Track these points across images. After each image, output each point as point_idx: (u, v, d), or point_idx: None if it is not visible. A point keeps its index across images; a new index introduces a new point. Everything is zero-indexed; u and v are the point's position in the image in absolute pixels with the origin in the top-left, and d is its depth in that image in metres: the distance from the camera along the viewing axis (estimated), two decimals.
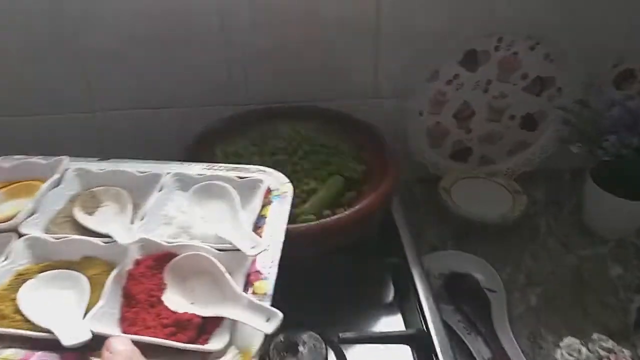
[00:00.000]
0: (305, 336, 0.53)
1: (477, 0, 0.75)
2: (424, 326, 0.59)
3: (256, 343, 0.38)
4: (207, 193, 0.51)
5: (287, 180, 0.52)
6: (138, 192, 0.52)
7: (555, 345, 0.64)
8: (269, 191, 0.51)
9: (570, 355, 0.63)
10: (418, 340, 0.57)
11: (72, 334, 0.38)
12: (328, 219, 0.58)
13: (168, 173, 0.53)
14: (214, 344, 0.39)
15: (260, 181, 0.52)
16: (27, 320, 0.41)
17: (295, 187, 0.64)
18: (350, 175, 0.67)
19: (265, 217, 0.49)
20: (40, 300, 0.43)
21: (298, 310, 0.57)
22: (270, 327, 0.38)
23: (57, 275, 0.45)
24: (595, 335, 0.64)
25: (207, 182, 0.51)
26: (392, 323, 0.62)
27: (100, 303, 0.41)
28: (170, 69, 0.77)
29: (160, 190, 0.51)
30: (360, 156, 0.71)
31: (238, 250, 0.44)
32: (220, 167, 0.53)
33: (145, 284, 0.43)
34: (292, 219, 0.60)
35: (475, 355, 0.62)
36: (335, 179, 0.66)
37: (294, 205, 0.61)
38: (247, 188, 0.51)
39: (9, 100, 0.78)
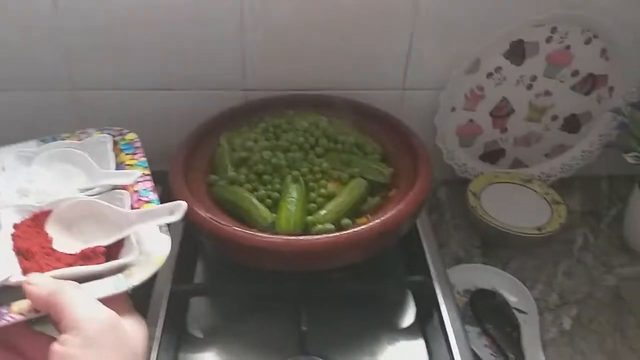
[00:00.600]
0: None
1: None
2: (450, 355, 0.52)
3: (164, 250, 0.40)
4: (54, 160, 0.51)
5: (129, 131, 0.54)
6: None
7: None
8: (115, 143, 0.53)
9: None
10: None
11: None
12: (348, 231, 0.50)
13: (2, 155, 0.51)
14: (126, 258, 0.40)
15: (104, 137, 0.53)
16: None
17: (311, 190, 0.57)
18: (375, 179, 0.59)
19: (124, 162, 0.50)
20: None
21: (305, 334, 0.51)
22: (177, 216, 0.41)
23: None
24: None
25: (49, 150, 0.51)
26: (413, 349, 0.56)
27: None
28: (180, 49, 0.70)
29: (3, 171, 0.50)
30: (387, 157, 0.63)
31: (109, 191, 0.47)
32: (57, 136, 0.54)
33: (32, 239, 0.42)
34: (306, 227, 0.53)
35: None
36: (357, 183, 0.58)
37: (309, 212, 0.55)
38: (92, 147, 0.52)
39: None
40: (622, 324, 0.65)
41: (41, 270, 0.39)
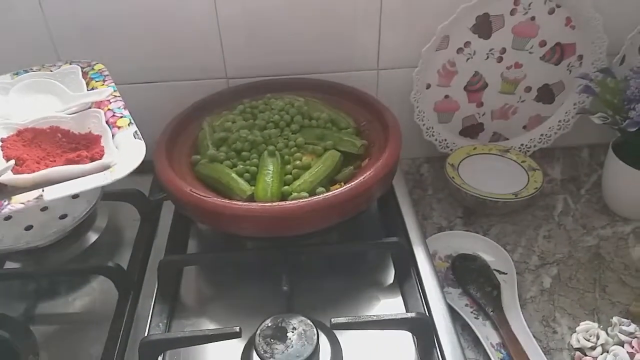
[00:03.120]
0: (295, 321, 0.50)
1: None
2: (426, 309, 0.55)
3: (140, 151, 0.46)
4: (29, 89, 0.55)
5: (97, 62, 0.59)
6: None
7: (570, 330, 0.61)
8: (85, 74, 0.57)
9: (588, 340, 0.58)
10: (418, 325, 0.53)
11: None
12: (320, 196, 0.54)
13: None
14: (108, 158, 0.46)
15: (73, 67, 0.57)
16: None
17: (287, 163, 0.61)
18: (348, 150, 0.63)
19: (95, 88, 0.55)
20: None
21: (288, 294, 0.55)
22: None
23: None
24: (615, 319, 0.60)
25: (24, 81, 0.56)
26: (393, 307, 0.58)
27: None
28: (161, 42, 0.73)
29: None
30: (360, 131, 0.67)
31: (86, 109, 0.52)
32: (29, 69, 0.58)
33: (21, 150, 0.48)
34: (283, 197, 0.57)
35: (482, 341, 0.59)
36: (331, 154, 0.61)
37: (285, 183, 0.58)
38: (63, 76, 0.56)
39: None
40: (602, 280, 0.67)
41: (32, 172, 0.45)
